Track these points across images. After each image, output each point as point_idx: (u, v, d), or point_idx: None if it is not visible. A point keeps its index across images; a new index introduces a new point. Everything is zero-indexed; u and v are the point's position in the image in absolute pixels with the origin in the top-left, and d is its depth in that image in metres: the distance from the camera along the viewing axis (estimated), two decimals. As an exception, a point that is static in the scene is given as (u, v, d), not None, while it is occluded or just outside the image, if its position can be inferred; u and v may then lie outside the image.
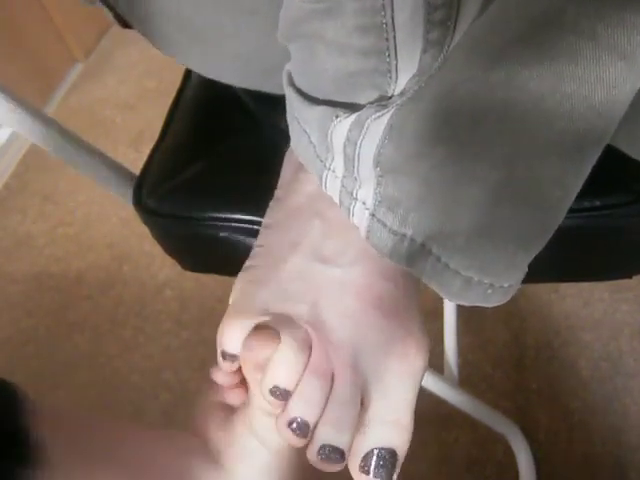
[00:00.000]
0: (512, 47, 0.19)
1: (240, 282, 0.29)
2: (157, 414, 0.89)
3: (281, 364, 0.24)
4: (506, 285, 0.24)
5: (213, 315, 1.00)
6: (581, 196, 0.29)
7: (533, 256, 0.24)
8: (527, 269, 0.24)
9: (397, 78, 0.21)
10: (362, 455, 0.24)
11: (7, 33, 1.35)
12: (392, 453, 0.24)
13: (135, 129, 1.37)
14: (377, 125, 0.22)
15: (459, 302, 0.24)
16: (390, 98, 0.22)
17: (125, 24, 0.37)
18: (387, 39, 0.20)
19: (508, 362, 0.85)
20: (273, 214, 0.31)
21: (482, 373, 0.85)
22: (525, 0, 0.18)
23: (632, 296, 0.89)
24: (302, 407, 0.24)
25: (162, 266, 1.08)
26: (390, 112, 0.22)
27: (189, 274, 0.47)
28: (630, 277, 0.37)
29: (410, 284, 0.27)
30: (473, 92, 0.19)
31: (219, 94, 0.45)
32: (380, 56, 0.21)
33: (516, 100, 0.19)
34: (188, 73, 0.50)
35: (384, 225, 0.24)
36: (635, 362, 0.82)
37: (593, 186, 0.30)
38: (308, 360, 0.25)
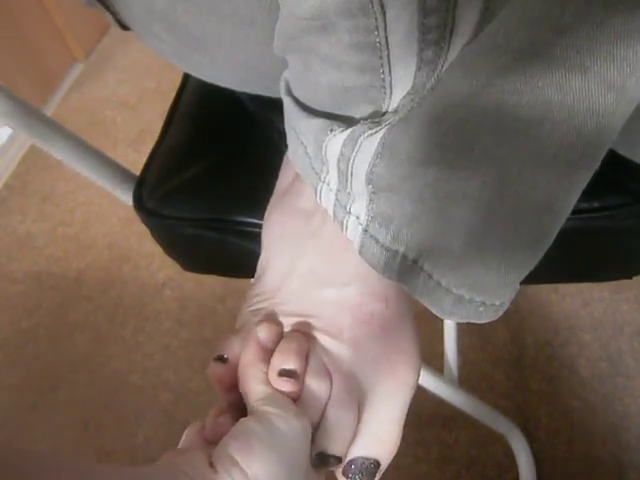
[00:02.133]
0: (502, 75, 0.19)
1: (244, 313, 0.30)
2: (157, 414, 0.89)
3: (288, 348, 0.26)
4: (497, 303, 0.24)
5: (213, 315, 1.00)
6: (580, 198, 0.29)
7: (525, 275, 0.24)
8: (518, 287, 0.24)
9: (392, 94, 0.21)
10: (347, 460, 0.26)
11: (7, 33, 1.35)
12: (374, 463, 0.25)
13: (135, 129, 1.37)
14: (369, 143, 0.22)
15: (451, 319, 0.25)
16: (384, 114, 0.22)
17: (125, 27, 0.37)
18: (381, 57, 0.20)
19: (508, 362, 0.85)
20: (270, 233, 0.31)
21: (482, 373, 0.85)
22: (514, 30, 0.19)
23: (632, 296, 0.89)
24: (305, 410, 0.24)
25: (162, 266, 1.08)
26: (382, 131, 0.22)
27: (189, 274, 0.47)
28: (630, 278, 0.38)
29: (403, 304, 0.28)
30: (464, 117, 0.20)
31: (219, 94, 0.45)
32: (375, 72, 0.21)
33: (506, 127, 0.20)
34: (188, 73, 0.50)
35: (377, 241, 0.24)
36: (635, 362, 0.82)
37: (592, 188, 0.30)
38: (306, 364, 0.26)
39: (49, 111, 1.46)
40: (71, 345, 1.01)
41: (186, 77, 0.50)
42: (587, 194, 0.27)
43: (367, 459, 0.25)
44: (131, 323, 1.01)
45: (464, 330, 0.89)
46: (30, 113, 0.40)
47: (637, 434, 0.76)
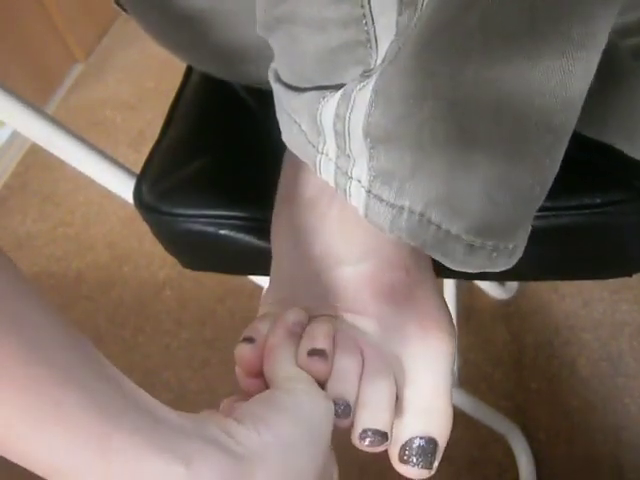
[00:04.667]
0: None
1: (266, 304, 0.30)
2: (157, 414, 0.89)
3: (316, 330, 0.26)
4: (510, 246, 0.23)
5: (213, 315, 1.00)
6: (581, 193, 0.29)
7: (534, 211, 0.23)
8: (530, 227, 0.24)
9: (377, 47, 0.21)
10: (400, 444, 0.24)
11: (7, 33, 1.35)
12: (431, 441, 0.24)
13: (135, 129, 1.37)
14: (363, 94, 0.22)
15: (465, 269, 0.24)
16: (373, 69, 0.22)
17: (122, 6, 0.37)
18: (362, 6, 0.20)
19: (508, 362, 0.85)
20: (279, 226, 0.31)
21: (482, 373, 0.85)
22: None
23: (632, 296, 0.89)
24: (339, 387, 0.24)
25: (162, 266, 1.08)
26: (374, 79, 0.22)
27: (189, 274, 0.47)
28: (630, 275, 0.37)
29: (423, 269, 0.28)
30: (452, 38, 0.19)
31: (219, 93, 0.45)
32: (358, 25, 0.21)
33: (494, 44, 0.19)
34: (188, 73, 0.50)
35: (381, 200, 0.23)
36: (635, 362, 0.82)
37: (593, 183, 0.30)
38: (334, 342, 0.25)
39: (49, 111, 1.46)
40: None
41: (186, 76, 0.50)
42: (589, 189, 0.27)
43: (421, 438, 0.24)
44: (131, 323, 1.01)
45: (464, 330, 0.89)
46: (30, 113, 0.40)
47: (637, 434, 0.76)
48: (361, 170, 0.24)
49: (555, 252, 0.33)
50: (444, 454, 0.25)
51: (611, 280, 0.39)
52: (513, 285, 0.92)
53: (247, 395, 0.25)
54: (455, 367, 0.81)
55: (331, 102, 0.23)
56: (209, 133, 0.43)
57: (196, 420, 0.19)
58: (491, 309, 0.91)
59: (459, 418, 0.78)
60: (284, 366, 0.24)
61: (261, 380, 0.25)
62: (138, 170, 0.44)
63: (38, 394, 0.15)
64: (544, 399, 0.81)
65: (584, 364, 0.83)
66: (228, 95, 0.44)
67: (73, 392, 0.16)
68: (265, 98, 0.28)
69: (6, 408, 0.15)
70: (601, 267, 0.38)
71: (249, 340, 0.26)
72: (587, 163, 0.32)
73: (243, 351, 0.26)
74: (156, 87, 1.47)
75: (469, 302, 0.91)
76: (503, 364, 0.85)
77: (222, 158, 0.40)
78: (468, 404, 0.78)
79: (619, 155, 0.30)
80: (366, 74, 0.22)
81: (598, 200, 0.32)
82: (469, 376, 0.84)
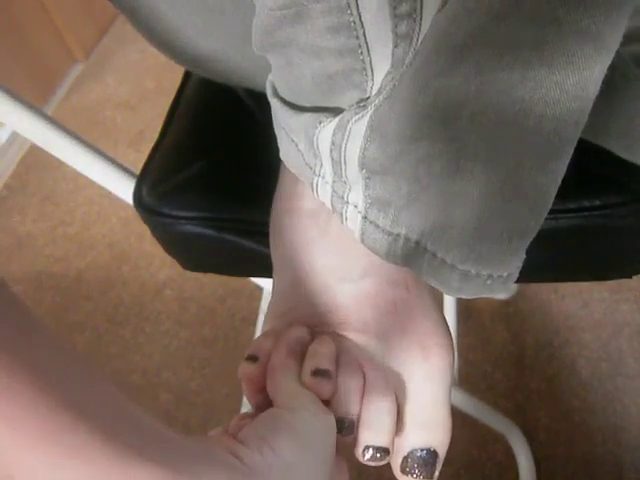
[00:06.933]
0: (477, 38, 0.19)
1: (270, 318, 0.30)
2: (157, 414, 0.89)
3: (319, 350, 0.26)
4: (505, 274, 0.24)
5: (213, 315, 1.00)
6: (580, 196, 0.29)
7: (529, 242, 0.23)
8: (525, 255, 0.24)
9: (373, 75, 0.21)
10: (402, 456, 0.25)
11: (7, 33, 1.35)
12: (432, 452, 0.25)
13: (135, 129, 1.37)
14: (358, 127, 0.22)
15: (461, 296, 0.24)
16: (369, 98, 0.22)
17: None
18: (357, 37, 0.20)
19: (508, 362, 0.86)
20: (279, 239, 0.31)
21: (482, 373, 0.85)
22: None
23: (632, 296, 0.89)
24: (342, 406, 0.24)
25: (162, 266, 1.08)
26: (369, 113, 0.22)
27: (189, 274, 0.47)
28: (630, 277, 0.38)
29: (423, 285, 0.28)
30: (445, 86, 0.20)
31: (219, 93, 0.45)
32: (354, 54, 0.21)
33: (488, 91, 0.19)
34: (188, 73, 0.50)
35: (377, 226, 0.24)
36: (635, 362, 0.82)
37: (592, 186, 0.30)
38: (336, 363, 0.26)
39: (49, 111, 1.46)
40: (71, 345, 1.01)
41: (186, 77, 0.50)
42: (588, 192, 0.27)
43: (421, 449, 0.25)
44: (131, 323, 1.01)
45: (464, 330, 0.89)
46: (30, 113, 0.40)
47: (637, 434, 0.76)
48: (357, 196, 0.24)
49: (555, 254, 0.33)
50: (443, 454, 0.25)
51: (611, 280, 0.39)
52: (513, 285, 0.92)
53: (256, 409, 0.26)
54: (455, 367, 0.81)
55: (328, 128, 0.23)
56: (209, 135, 0.43)
57: (202, 441, 0.20)
58: (491, 309, 0.91)
59: (459, 418, 0.78)
60: (287, 385, 0.25)
61: (266, 395, 0.26)
62: (138, 170, 0.44)
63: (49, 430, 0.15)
64: (544, 399, 0.81)
65: (584, 364, 0.83)
66: (228, 96, 0.44)
67: (81, 421, 0.16)
68: (265, 100, 0.28)
69: (15, 440, 0.15)
70: (601, 269, 0.38)
71: (253, 358, 0.26)
72: (585, 166, 0.32)
73: (247, 369, 0.26)
74: (156, 87, 1.47)
75: (469, 302, 0.91)
76: (503, 364, 0.85)
77: (221, 160, 0.40)
78: (468, 404, 0.78)
79: (617, 158, 0.30)
80: (361, 104, 0.22)
81: (597, 203, 0.32)
82: (469, 376, 0.84)
